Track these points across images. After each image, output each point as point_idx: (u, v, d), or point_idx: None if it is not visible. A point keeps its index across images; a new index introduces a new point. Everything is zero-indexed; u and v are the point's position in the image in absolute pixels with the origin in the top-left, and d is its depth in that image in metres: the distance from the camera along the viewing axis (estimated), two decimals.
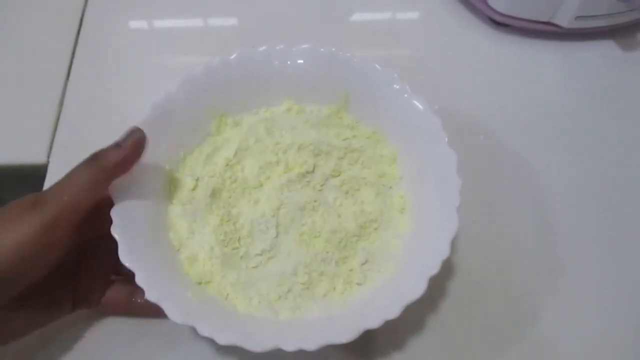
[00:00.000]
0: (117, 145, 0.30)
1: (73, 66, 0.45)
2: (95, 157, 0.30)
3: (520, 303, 0.36)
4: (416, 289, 0.29)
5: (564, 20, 0.40)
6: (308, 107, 0.40)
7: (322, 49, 0.38)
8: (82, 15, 0.48)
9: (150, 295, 0.28)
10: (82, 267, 0.33)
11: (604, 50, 0.45)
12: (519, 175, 0.41)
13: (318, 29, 0.50)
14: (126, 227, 0.31)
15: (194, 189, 0.35)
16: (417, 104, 0.36)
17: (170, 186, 0.35)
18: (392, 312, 0.28)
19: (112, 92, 0.45)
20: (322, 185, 0.37)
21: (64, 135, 0.42)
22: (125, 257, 0.29)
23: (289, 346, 0.28)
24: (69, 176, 0.29)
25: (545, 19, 0.41)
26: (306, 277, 0.33)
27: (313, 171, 0.37)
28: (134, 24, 0.49)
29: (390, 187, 0.37)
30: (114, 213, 0.31)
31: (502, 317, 0.35)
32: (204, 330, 0.28)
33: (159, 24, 0.50)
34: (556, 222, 0.38)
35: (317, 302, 0.32)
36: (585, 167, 0.41)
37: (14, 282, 0.28)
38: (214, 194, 0.35)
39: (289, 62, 0.38)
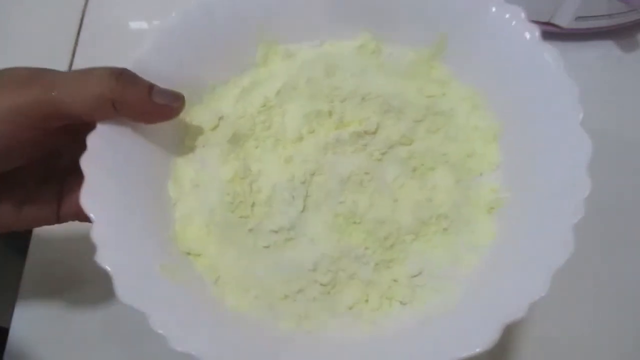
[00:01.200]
0: (150, 88, 0.23)
1: (73, 66, 0.44)
2: (120, 76, 0.23)
3: None
4: (479, 341, 0.18)
5: (564, 20, 0.40)
6: (388, 48, 0.29)
7: None
8: (82, 15, 0.47)
9: (101, 257, 0.20)
10: (74, 173, 0.25)
11: (604, 51, 0.44)
12: None
13: None
14: (103, 159, 0.23)
15: (214, 128, 0.27)
16: (547, 57, 0.24)
17: (186, 120, 0.27)
18: None
19: None
20: (382, 154, 0.26)
21: None
22: (86, 199, 0.22)
23: None
24: (79, 74, 0.23)
25: (545, 20, 0.41)
26: (329, 276, 0.23)
27: (375, 132, 0.27)
28: (134, 24, 0.47)
29: (480, 175, 0.26)
30: (91, 139, 0.23)
31: None
32: (157, 324, 0.19)
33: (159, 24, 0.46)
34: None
35: (337, 316, 0.23)
36: None
37: None
38: (235, 139, 0.26)
39: None
